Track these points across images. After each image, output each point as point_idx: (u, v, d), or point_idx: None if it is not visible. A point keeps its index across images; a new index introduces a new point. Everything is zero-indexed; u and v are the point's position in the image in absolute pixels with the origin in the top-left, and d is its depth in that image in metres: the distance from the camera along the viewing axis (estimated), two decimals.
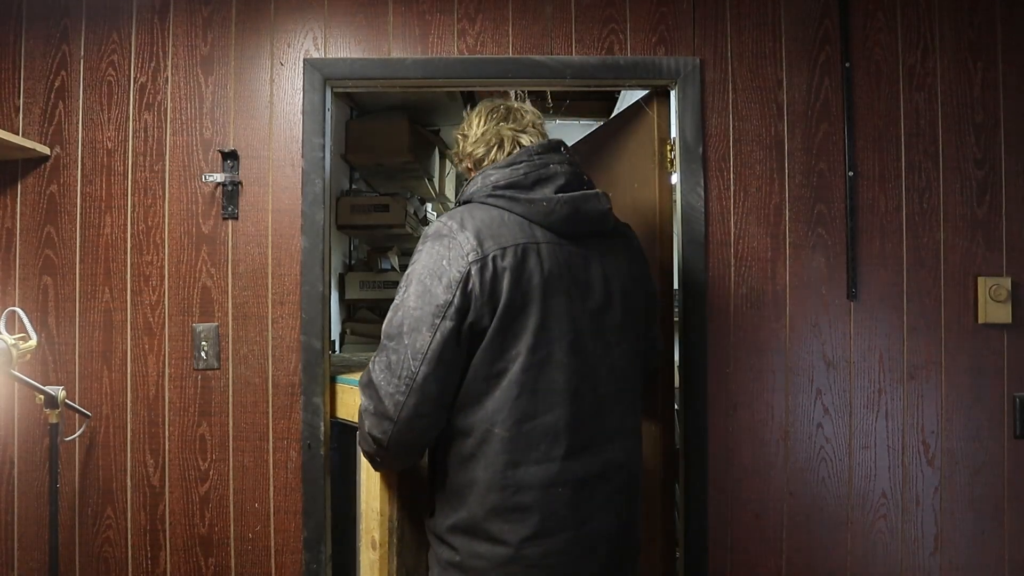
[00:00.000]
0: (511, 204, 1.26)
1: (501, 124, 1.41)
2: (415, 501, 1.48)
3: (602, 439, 1.26)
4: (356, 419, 1.63)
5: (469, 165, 1.47)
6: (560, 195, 1.26)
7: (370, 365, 1.24)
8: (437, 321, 1.16)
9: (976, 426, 1.88)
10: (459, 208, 1.30)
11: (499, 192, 1.27)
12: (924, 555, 1.87)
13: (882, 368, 1.88)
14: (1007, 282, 1.86)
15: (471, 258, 1.18)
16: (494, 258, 1.19)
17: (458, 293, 1.16)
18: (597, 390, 1.26)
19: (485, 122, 1.44)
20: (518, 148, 1.37)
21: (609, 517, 1.25)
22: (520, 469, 1.18)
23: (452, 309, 1.16)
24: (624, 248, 1.38)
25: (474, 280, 1.17)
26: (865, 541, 1.86)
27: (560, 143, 1.37)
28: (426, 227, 1.19)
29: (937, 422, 1.88)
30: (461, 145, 1.49)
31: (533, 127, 1.42)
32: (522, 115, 1.43)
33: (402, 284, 1.24)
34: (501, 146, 1.40)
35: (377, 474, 1.46)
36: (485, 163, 1.41)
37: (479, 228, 1.22)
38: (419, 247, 1.26)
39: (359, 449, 1.58)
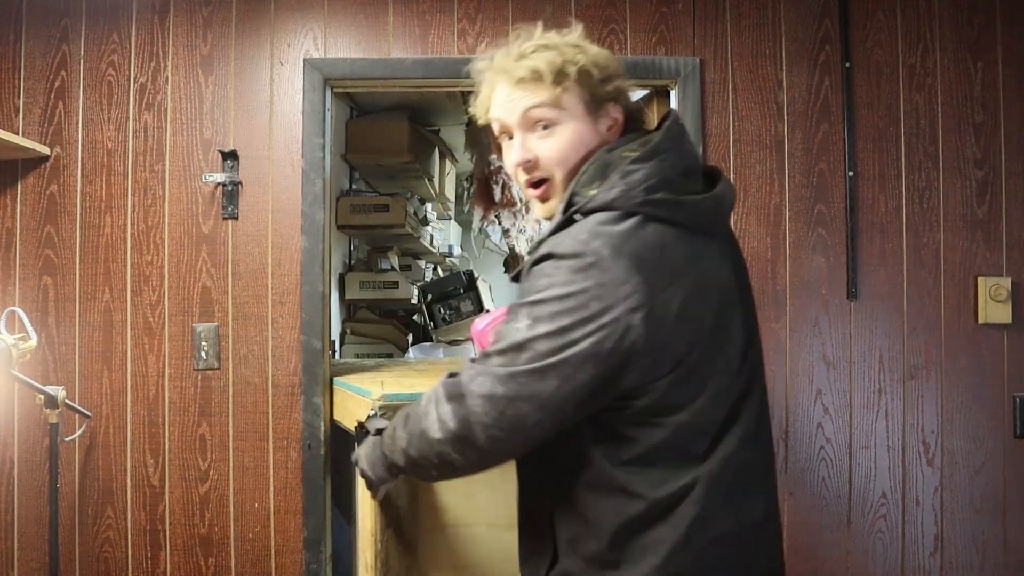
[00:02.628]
0: (672, 210, 0.89)
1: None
2: (400, 526, 1.42)
3: None
4: (353, 424, 1.61)
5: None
6: (714, 190, 0.94)
7: (464, 373, 0.93)
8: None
9: (976, 426, 1.88)
10: (590, 219, 0.89)
11: (660, 196, 0.88)
12: (924, 555, 1.87)
13: (882, 368, 1.88)
14: (1007, 282, 1.86)
15: (641, 298, 0.83)
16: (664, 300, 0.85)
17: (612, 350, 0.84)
18: None
19: None
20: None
21: None
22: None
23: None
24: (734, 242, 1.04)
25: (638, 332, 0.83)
26: (865, 541, 1.86)
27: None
28: (555, 245, 0.88)
29: (937, 422, 1.88)
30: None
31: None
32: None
33: (522, 312, 0.88)
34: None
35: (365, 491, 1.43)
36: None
37: (638, 254, 0.85)
38: (550, 271, 0.87)
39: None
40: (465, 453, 0.90)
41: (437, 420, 0.91)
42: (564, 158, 0.96)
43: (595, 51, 0.99)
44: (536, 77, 0.95)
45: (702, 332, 0.88)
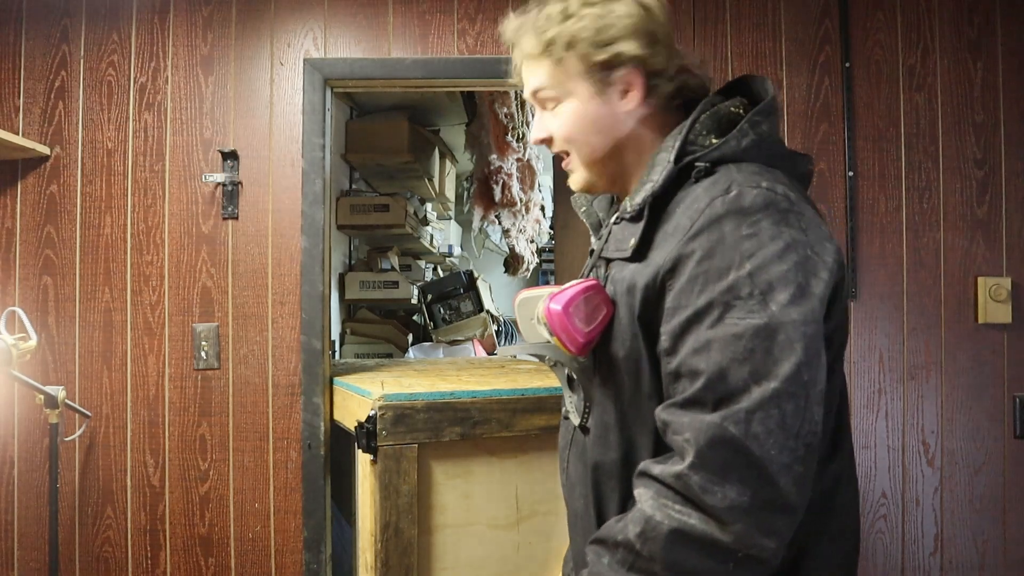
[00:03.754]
0: (792, 165, 0.86)
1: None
2: (399, 526, 1.43)
3: None
4: (353, 424, 1.62)
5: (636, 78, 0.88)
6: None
7: (720, 428, 0.68)
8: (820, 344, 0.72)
9: (976, 426, 1.88)
10: (742, 169, 0.79)
11: (779, 150, 0.85)
12: (924, 555, 1.87)
13: (882, 368, 1.88)
14: (1007, 282, 1.86)
15: (836, 242, 0.77)
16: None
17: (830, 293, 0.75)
18: None
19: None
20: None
21: None
22: None
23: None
24: None
25: (837, 276, 0.76)
26: (865, 541, 1.86)
27: None
28: (733, 199, 0.74)
29: (937, 422, 1.88)
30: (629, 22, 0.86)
31: None
32: None
33: (737, 293, 0.71)
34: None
35: (369, 492, 1.40)
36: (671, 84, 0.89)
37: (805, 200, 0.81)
38: (747, 230, 0.73)
39: (357, 453, 1.56)
40: (776, 525, 0.68)
41: (708, 519, 0.68)
42: (571, 136, 0.91)
43: (590, 14, 0.86)
44: (534, 54, 0.90)
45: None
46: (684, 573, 0.69)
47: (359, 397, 1.62)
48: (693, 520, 0.68)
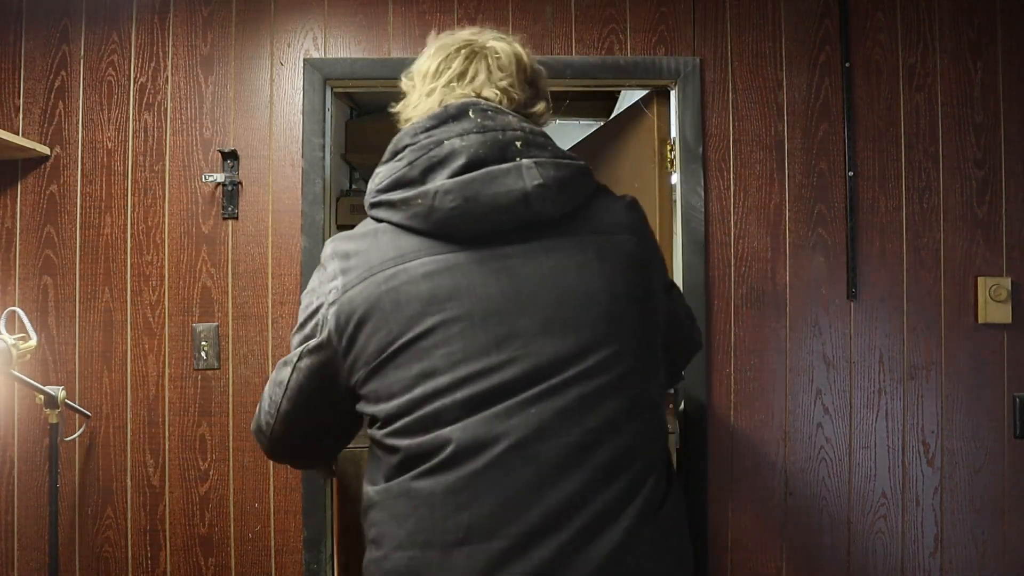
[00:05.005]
0: (389, 212, 0.93)
1: (448, 86, 0.99)
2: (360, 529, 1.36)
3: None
4: None
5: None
6: (443, 183, 0.89)
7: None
8: (294, 359, 0.99)
9: (976, 426, 1.88)
10: (359, 224, 1.01)
11: (379, 198, 0.94)
12: (924, 555, 1.87)
13: (882, 368, 1.88)
14: (1007, 282, 1.86)
15: (330, 297, 0.93)
16: (352, 297, 0.90)
17: (317, 337, 0.95)
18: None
19: (431, 77, 1.01)
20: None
21: None
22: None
23: (309, 350, 0.97)
24: (584, 240, 0.92)
25: (330, 326, 0.92)
26: (865, 541, 1.86)
27: (470, 104, 0.94)
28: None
29: (937, 422, 1.88)
30: (406, 95, 1.07)
31: (489, 84, 0.99)
32: (480, 70, 0.99)
33: None
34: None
35: (333, 497, 1.42)
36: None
37: (348, 254, 0.94)
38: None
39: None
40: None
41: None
42: None
43: None
44: None
45: None
46: None
47: None
48: None
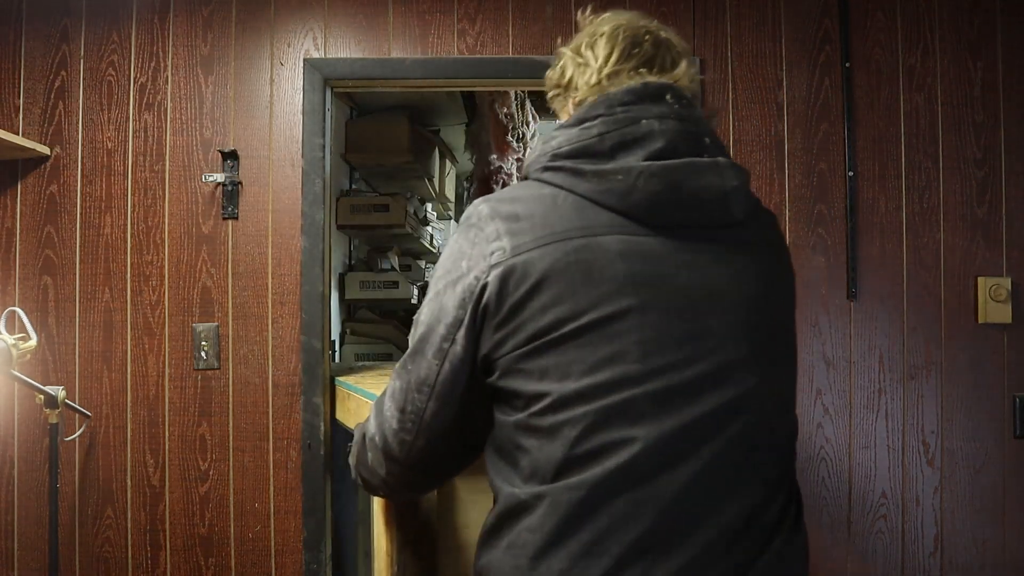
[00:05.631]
0: (573, 180, 0.85)
1: (637, 71, 0.92)
2: (418, 548, 1.30)
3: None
4: (354, 424, 1.57)
5: (568, 110, 0.98)
6: (649, 164, 0.83)
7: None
8: (446, 345, 0.86)
9: (976, 426, 1.88)
10: (509, 187, 0.94)
11: (559, 163, 0.87)
12: (924, 555, 1.87)
13: (882, 368, 1.88)
14: (1007, 282, 1.86)
15: (493, 259, 0.83)
16: (526, 262, 0.81)
17: (471, 307, 0.84)
18: None
19: (617, 59, 0.93)
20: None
21: None
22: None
23: (463, 330, 0.85)
24: (756, 252, 0.90)
25: (490, 290, 0.82)
26: (865, 541, 1.86)
27: (668, 87, 0.90)
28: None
29: (937, 422, 1.88)
30: (564, 72, 0.98)
31: (681, 75, 0.94)
32: (667, 60, 0.95)
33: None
34: None
35: (382, 511, 1.28)
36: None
37: (517, 215, 0.85)
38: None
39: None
40: (388, 466, 0.97)
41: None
42: None
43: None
44: None
45: None
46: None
47: (367, 401, 1.55)
48: None
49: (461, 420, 0.90)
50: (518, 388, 0.82)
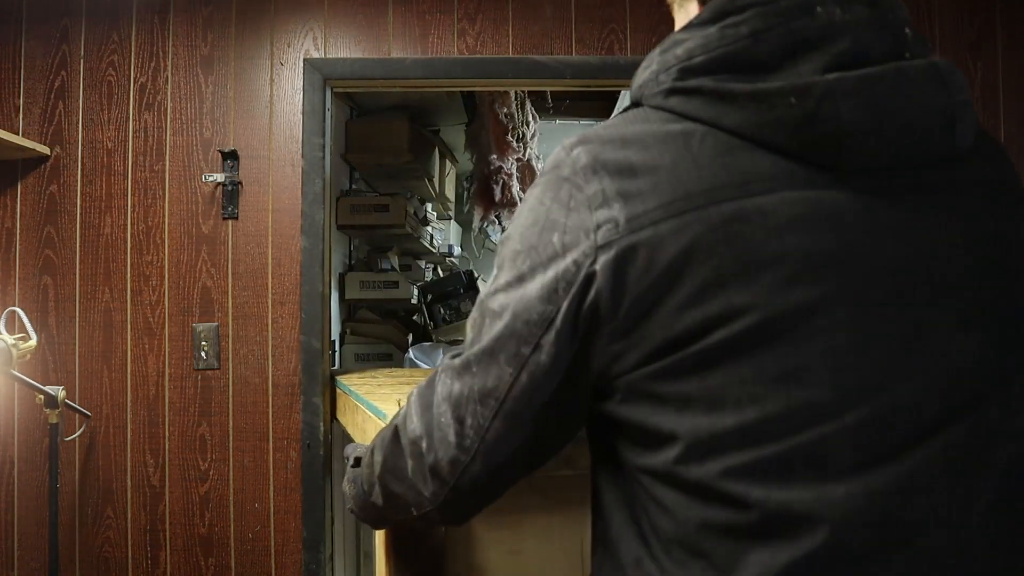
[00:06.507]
0: (717, 108, 0.56)
1: None
2: None
3: None
4: (355, 428, 1.50)
5: (689, 7, 0.66)
6: (838, 77, 0.53)
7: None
8: (525, 351, 0.59)
9: None
10: (613, 119, 0.62)
11: (693, 82, 0.57)
12: None
13: None
14: None
15: (600, 237, 0.55)
16: (653, 241, 0.54)
17: (567, 304, 0.57)
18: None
19: None
20: None
21: None
22: None
23: (552, 334, 0.58)
24: (988, 199, 0.59)
25: (600, 284, 0.55)
26: None
27: None
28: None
29: None
30: None
31: None
32: None
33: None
34: None
35: (382, 546, 1.14)
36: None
37: (632, 168, 0.56)
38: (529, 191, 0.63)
39: None
40: (431, 487, 0.68)
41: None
42: None
43: None
44: None
45: None
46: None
47: (374, 418, 1.33)
48: None
49: (533, 447, 0.64)
50: (646, 421, 0.57)
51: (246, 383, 1.86)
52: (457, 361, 0.64)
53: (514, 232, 0.62)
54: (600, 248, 0.55)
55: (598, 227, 0.55)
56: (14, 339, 1.50)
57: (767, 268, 0.53)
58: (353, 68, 1.88)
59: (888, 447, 0.52)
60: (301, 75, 1.87)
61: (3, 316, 1.53)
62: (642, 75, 0.62)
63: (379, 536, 1.09)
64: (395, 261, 3.53)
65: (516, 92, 3.07)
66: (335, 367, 2.76)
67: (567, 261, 0.56)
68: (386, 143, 3.02)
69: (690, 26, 0.59)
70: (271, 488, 1.85)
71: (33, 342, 1.57)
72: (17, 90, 1.87)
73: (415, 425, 0.66)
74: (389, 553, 1.08)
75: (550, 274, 0.57)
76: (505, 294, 0.61)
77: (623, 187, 0.56)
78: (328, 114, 1.91)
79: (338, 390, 1.87)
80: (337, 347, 3.30)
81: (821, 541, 0.50)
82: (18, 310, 1.64)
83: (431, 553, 1.10)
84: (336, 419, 1.89)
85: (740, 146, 0.56)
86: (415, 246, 3.84)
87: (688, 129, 0.57)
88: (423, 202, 3.82)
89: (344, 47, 1.89)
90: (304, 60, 1.87)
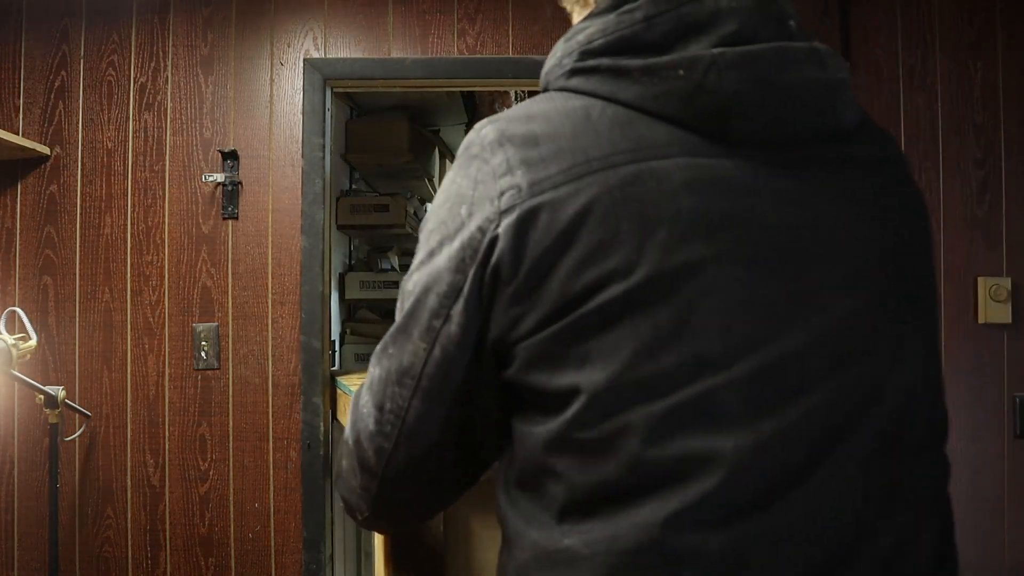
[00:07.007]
0: (614, 83, 0.59)
1: None
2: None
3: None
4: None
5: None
6: (723, 51, 0.57)
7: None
8: (436, 323, 0.60)
9: (976, 426, 1.87)
10: (524, 102, 0.66)
11: (592, 62, 0.61)
12: None
13: None
14: (1007, 282, 1.86)
15: (503, 202, 0.57)
16: (553, 203, 0.56)
17: (473, 271, 0.58)
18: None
19: None
20: None
21: None
22: None
23: (461, 303, 0.59)
24: (872, 173, 0.63)
25: (502, 247, 0.57)
26: None
27: None
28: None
29: None
30: None
31: None
32: None
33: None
34: None
35: (380, 548, 1.13)
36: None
37: (535, 138, 0.59)
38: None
39: None
40: (361, 479, 0.69)
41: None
42: None
43: None
44: None
45: None
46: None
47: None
48: None
49: (459, 427, 0.64)
50: (546, 384, 0.57)
51: (246, 383, 1.86)
52: (378, 346, 0.65)
53: (429, 214, 0.65)
54: (503, 212, 0.57)
55: (501, 194, 0.57)
56: (14, 339, 1.50)
57: (661, 227, 0.55)
58: (353, 68, 1.88)
59: (776, 397, 0.54)
60: (301, 75, 1.87)
61: (3, 316, 1.53)
62: (548, 63, 0.67)
63: (379, 536, 1.09)
64: (395, 261, 3.53)
65: (516, 92, 3.07)
66: (335, 367, 2.77)
67: (472, 228, 0.58)
68: (386, 143, 3.02)
69: (591, 15, 0.64)
70: (271, 488, 1.85)
71: (33, 342, 1.57)
72: (17, 90, 1.87)
73: (348, 424, 0.68)
74: (389, 553, 1.08)
75: (456, 243, 0.59)
76: (419, 272, 0.63)
77: (526, 155, 0.58)
78: (328, 114, 1.91)
79: (338, 390, 1.87)
80: (337, 347, 3.30)
81: (711, 488, 0.51)
82: (18, 310, 1.64)
83: (431, 553, 1.10)
84: (336, 419, 1.89)
85: (637, 117, 0.58)
86: (415, 246, 3.83)
87: (588, 104, 0.60)
88: (423, 202, 3.82)
89: (344, 47, 1.89)
90: (304, 60, 1.87)
